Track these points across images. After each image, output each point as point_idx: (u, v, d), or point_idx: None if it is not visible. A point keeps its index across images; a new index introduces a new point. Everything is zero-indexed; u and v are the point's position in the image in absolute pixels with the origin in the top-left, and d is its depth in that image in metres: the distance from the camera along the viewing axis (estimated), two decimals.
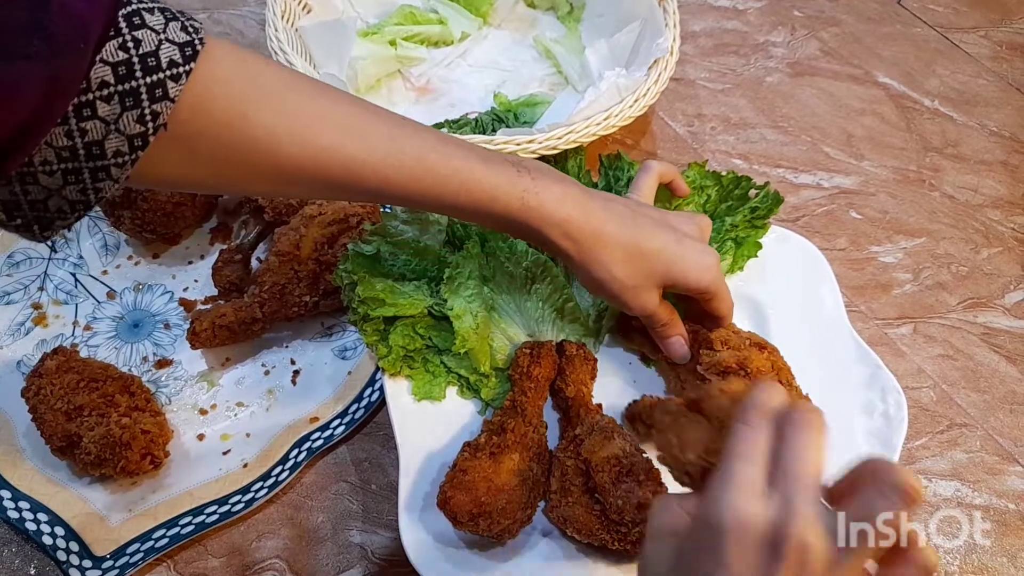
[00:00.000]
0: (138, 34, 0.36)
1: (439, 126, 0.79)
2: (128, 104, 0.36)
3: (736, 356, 0.53)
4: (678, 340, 0.57)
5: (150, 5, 0.37)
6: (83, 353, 0.64)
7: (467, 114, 0.82)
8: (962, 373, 0.69)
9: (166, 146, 0.38)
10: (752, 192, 0.66)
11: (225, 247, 0.71)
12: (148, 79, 0.36)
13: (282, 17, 0.78)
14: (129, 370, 0.64)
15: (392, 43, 0.87)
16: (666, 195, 0.66)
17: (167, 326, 0.68)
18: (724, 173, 0.67)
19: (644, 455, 0.53)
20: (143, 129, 0.37)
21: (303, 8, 0.84)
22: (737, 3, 1.00)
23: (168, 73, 0.37)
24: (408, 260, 0.61)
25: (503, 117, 0.80)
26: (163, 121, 0.37)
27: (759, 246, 0.66)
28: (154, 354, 0.67)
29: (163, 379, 0.65)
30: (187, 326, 0.65)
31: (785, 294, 0.66)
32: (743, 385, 0.39)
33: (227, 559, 0.57)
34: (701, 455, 0.38)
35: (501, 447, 0.52)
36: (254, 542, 0.58)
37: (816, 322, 0.64)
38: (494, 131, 0.78)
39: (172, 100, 0.37)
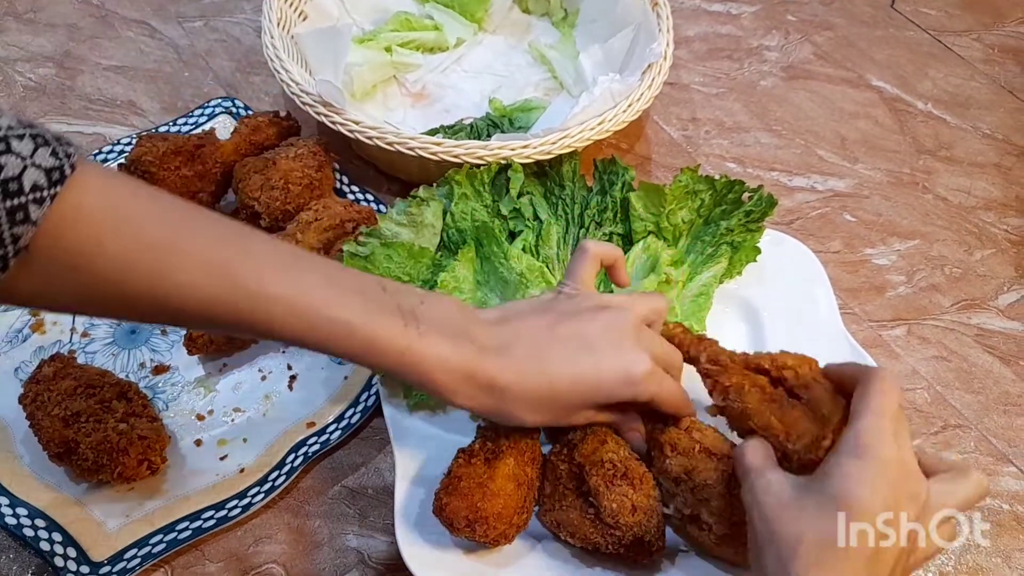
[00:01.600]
0: (2, 160, 0.35)
1: (434, 131, 0.79)
2: None
3: (684, 464, 0.51)
4: (634, 436, 0.54)
5: (21, 132, 0.36)
6: (80, 360, 0.64)
7: (462, 119, 0.82)
8: (956, 374, 0.69)
9: (28, 270, 0.37)
10: (746, 196, 0.67)
11: None
12: (8, 203, 0.35)
13: (278, 24, 0.79)
14: (126, 376, 0.65)
15: (388, 49, 0.87)
16: (660, 200, 0.66)
17: (164, 332, 0.68)
18: (717, 177, 0.67)
19: (638, 458, 0.53)
20: (3, 252, 0.36)
21: (299, 15, 0.84)
22: (731, 8, 1.00)
23: (31, 197, 0.36)
24: (403, 263, 0.61)
25: (498, 122, 0.81)
26: (23, 244, 0.36)
27: (757, 251, 0.67)
28: (151, 360, 0.67)
29: (160, 385, 0.65)
30: (184, 332, 0.65)
31: (779, 297, 0.66)
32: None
33: (224, 564, 0.57)
34: (809, 447, 0.47)
35: (495, 452, 0.52)
36: (251, 547, 0.58)
37: (810, 324, 0.65)
38: (489, 136, 0.78)
39: (35, 223, 0.36)
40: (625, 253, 0.66)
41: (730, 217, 0.66)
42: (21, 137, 0.36)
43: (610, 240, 0.68)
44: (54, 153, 0.37)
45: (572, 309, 0.52)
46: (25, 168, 0.36)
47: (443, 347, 0.46)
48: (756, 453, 0.46)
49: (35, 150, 0.36)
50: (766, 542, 0.41)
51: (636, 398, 0.50)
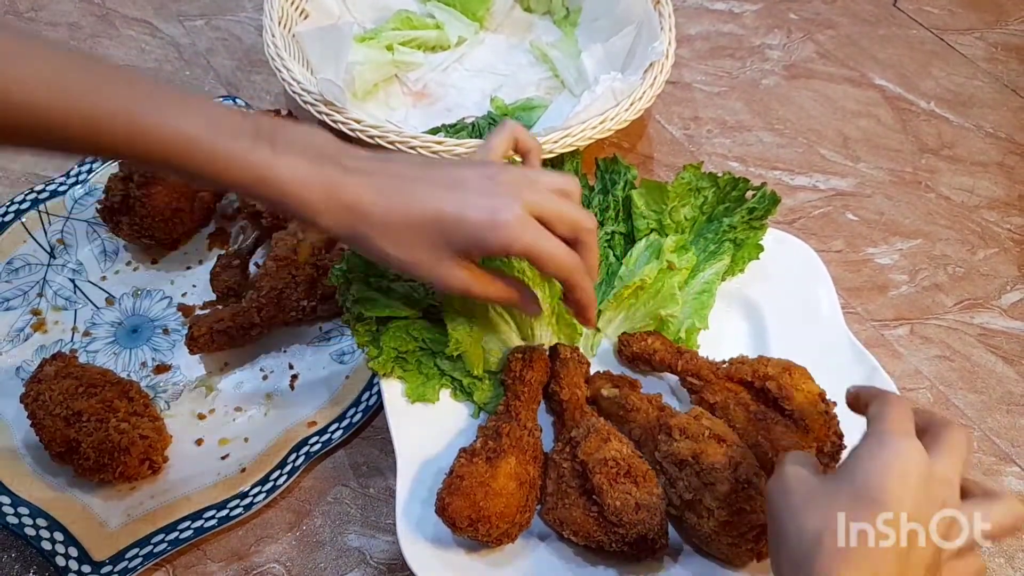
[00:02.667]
0: None
1: (435, 130, 0.79)
2: None
3: (692, 448, 0.52)
4: (518, 301, 0.52)
5: None
6: (82, 359, 0.64)
7: (464, 118, 0.82)
8: (959, 374, 0.69)
9: None
10: (749, 193, 0.66)
11: (223, 252, 0.71)
12: None
13: (279, 23, 0.79)
14: (128, 375, 0.65)
15: (389, 48, 0.87)
16: (662, 197, 0.66)
17: (166, 331, 0.68)
18: (720, 175, 0.67)
19: (640, 456, 0.53)
20: None
21: (300, 14, 0.84)
22: (733, 6, 1.00)
23: None
24: None
25: (499, 121, 0.81)
26: None
27: (760, 248, 0.67)
28: (153, 359, 0.67)
29: (161, 384, 0.65)
30: (185, 331, 0.65)
31: (782, 296, 0.66)
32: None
33: (226, 563, 0.57)
34: None
35: (497, 452, 0.52)
36: (253, 547, 0.58)
37: (813, 324, 0.64)
38: None
39: None
40: (627, 252, 0.66)
41: (733, 214, 0.66)
42: None
43: (612, 239, 0.67)
44: None
45: (455, 160, 0.50)
46: None
47: (302, 165, 0.44)
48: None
49: None
50: (790, 534, 0.39)
51: (506, 249, 0.47)
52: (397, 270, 0.48)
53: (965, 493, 0.40)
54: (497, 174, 0.48)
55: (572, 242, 0.50)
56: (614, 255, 0.67)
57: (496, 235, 0.46)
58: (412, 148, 0.67)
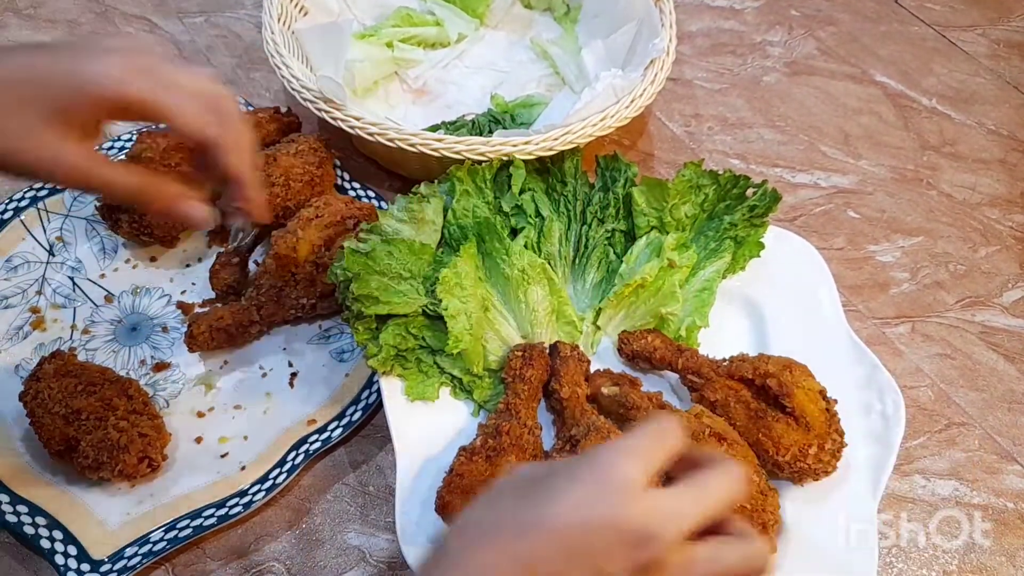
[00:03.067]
0: None
1: (435, 128, 0.79)
2: None
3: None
4: (181, 204, 0.44)
5: None
6: (81, 357, 0.64)
7: (464, 115, 0.82)
8: (960, 372, 0.69)
9: None
10: (750, 191, 0.66)
11: (222, 250, 0.71)
12: None
13: (278, 20, 0.78)
14: (127, 373, 0.65)
15: (389, 45, 0.87)
16: (663, 195, 0.66)
17: (165, 329, 0.68)
18: (721, 172, 0.67)
19: None
20: None
21: (299, 11, 0.84)
22: (734, 3, 1.00)
23: None
24: (404, 259, 0.61)
25: (500, 118, 0.80)
26: None
27: (761, 246, 0.66)
28: (152, 357, 0.67)
29: (161, 382, 0.65)
30: (185, 329, 0.65)
31: (783, 294, 0.66)
32: None
33: (225, 562, 0.57)
34: (797, 456, 0.52)
35: (497, 450, 0.52)
36: (252, 545, 0.58)
37: (814, 322, 0.64)
38: (491, 132, 0.78)
39: None
40: (628, 250, 0.66)
41: (734, 212, 0.66)
42: None
43: (612, 237, 0.67)
44: None
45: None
46: None
47: None
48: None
49: None
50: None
51: (119, 95, 0.39)
52: (8, 174, 0.40)
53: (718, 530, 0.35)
54: (116, 43, 0.42)
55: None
56: (614, 252, 0.67)
57: (106, 75, 0.39)
58: (412, 146, 0.67)
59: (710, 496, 0.34)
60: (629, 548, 0.32)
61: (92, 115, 0.40)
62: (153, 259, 0.72)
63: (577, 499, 0.33)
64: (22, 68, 0.39)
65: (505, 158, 0.67)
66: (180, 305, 0.69)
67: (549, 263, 0.64)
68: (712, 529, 0.35)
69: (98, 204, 0.70)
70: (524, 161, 0.67)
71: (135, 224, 0.69)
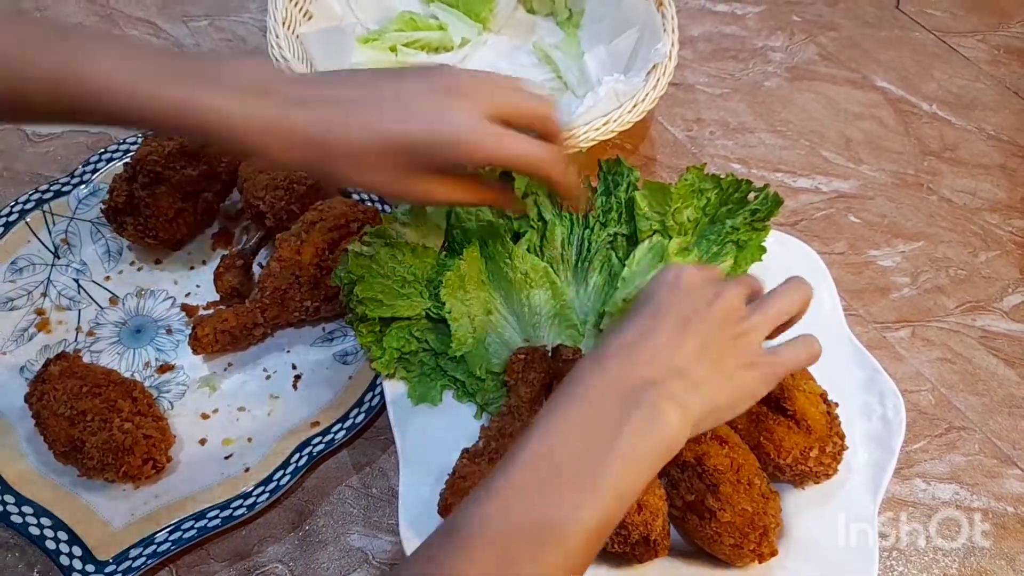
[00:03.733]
0: None
1: None
2: None
3: (694, 449, 0.52)
4: (492, 198, 0.52)
5: None
6: (86, 359, 0.65)
7: None
8: (960, 376, 0.69)
9: None
10: (751, 195, 0.67)
11: (227, 253, 0.71)
12: None
13: (283, 24, 0.79)
14: (132, 375, 0.65)
15: (392, 49, 0.87)
16: (665, 199, 0.66)
17: (169, 331, 0.69)
18: (723, 176, 0.67)
19: None
20: None
21: (304, 15, 0.85)
22: (736, 8, 1.00)
23: None
24: (407, 262, 0.61)
25: None
26: None
27: (763, 250, 0.67)
28: (156, 359, 0.67)
29: (165, 384, 0.66)
30: (189, 331, 0.65)
31: None
32: None
33: (229, 563, 0.58)
34: (799, 459, 0.54)
35: (500, 452, 0.52)
36: (256, 546, 0.58)
37: (814, 326, 0.64)
38: None
39: None
40: (629, 254, 0.66)
41: (735, 216, 0.66)
42: None
43: (615, 241, 0.68)
44: None
45: (402, 72, 0.48)
46: None
47: (247, 103, 0.43)
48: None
49: None
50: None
51: (471, 159, 0.46)
52: (362, 190, 0.49)
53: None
54: (444, 84, 0.46)
55: (536, 133, 0.49)
56: (616, 257, 0.67)
57: (458, 150, 0.45)
58: None
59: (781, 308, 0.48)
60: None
61: (443, 166, 0.47)
62: (158, 262, 0.73)
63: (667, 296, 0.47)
64: (392, 137, 0.45)
65: None
66: (184, 307, 0.70)
67: (552, 266, 0.65)
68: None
69: (103, 207, 0.70)
70: None
71: (140, 227, 0.69)
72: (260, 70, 0.45)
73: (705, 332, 0.44)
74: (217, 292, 0.69)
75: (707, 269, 0.49)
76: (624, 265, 0.66)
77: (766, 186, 0.67)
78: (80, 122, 0.52)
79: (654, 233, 0.66)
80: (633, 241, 0.68)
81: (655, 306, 0.45)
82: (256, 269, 0.72)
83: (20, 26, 0.43)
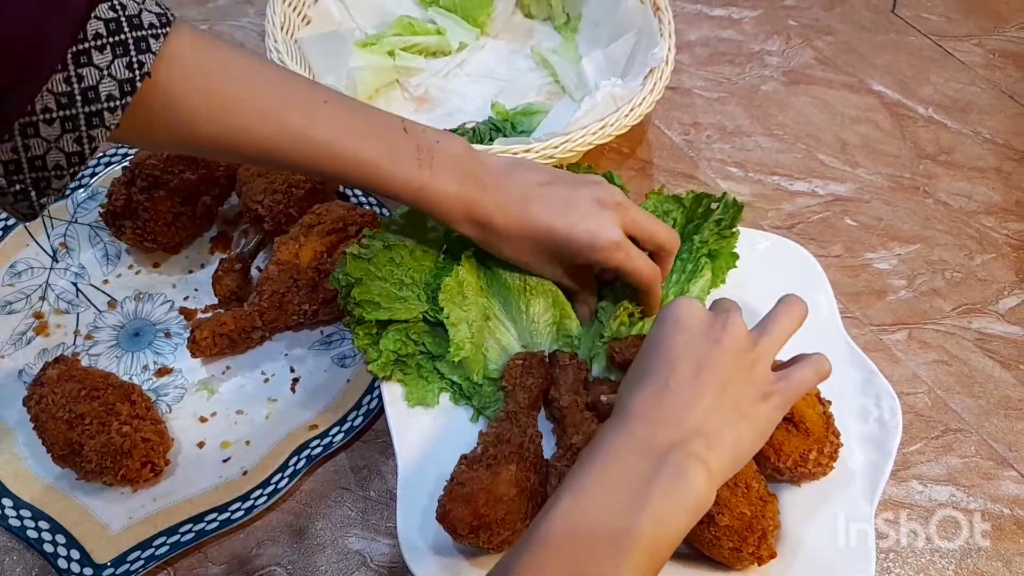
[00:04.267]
0: (122, 0, 0.41)
1: None
2: (119, 52, 0.41)
3: None
4: (583, 310, 0.63)
5: None
6: (84, 362, 0.65)
7: (465, 123, 0.82)
8: (956, 378, 0.69)
9: (149, 96, 0.42)
10: (713, 205, 0.67)
11: (225, 256, 0.71)
12: (134, 34, 0.41)
13: (281, 28, 0.79)
14: (130, 379, 0.65)
15: (390, 53, 0.87)
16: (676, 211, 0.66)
17: (168, 335, 0.69)
18: (685, 194, 0.67)
19: None
20: (131, 75, 0.41)
21: (302, 19, 0.85)
22: (732, 12, 1.01)
23: (149, 32, 0.42)
24: (405, 265, 0.61)
25: (500, 126, 0.81)
26: (147, 70, 0.42)
27: (736, 256, 0.67)
28: (154, 363, 0.67)
29: (163, 387, 0.66)
30: (187, 335, 0.65)
31: None
32: None
33: (227, 566, 0.58)
34: (798, 462, 0.55)
35: (498, 458, 0.52)
36: (254, 549, 0.58)
37: (811, 328, 0.64)
38: (491, 140, 0.79)
39: (154, 53, 0.42)
40: (616, 282, 0.66)
41: (702, 230, 0.66)
42: None
43: None
44: (157, 2, 0.44)
45: (568, 178, 0.59)
46: (141, 10, 0.42)
47: (452, 185, 0.53)
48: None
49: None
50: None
51: (602, 264, 0.57)
52: (515, 264, 0.59)
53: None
54: (603, 198, 0.57)
55: (654, 256, 0.60)
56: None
57: (595, 255, 0.56)
58: None
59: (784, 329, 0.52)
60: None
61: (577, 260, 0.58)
62: (156, 265, 0.73)
63: (675, 333, 0.50)
64: (546, 231, 0.56)
65: None
66: (183, 311, 0.70)
67: None
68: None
69: (102, 211, 0.70)
70: None
71: (138, 231, 0.69)
72: (457, 152, 0.54)
73: (720, 375, 0.47)
74: (215, 296, 0.69)
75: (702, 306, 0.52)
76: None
77: (724, 194, 0.67)
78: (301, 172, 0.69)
79: None
80: None
81: (666, 354, 0.48)
82: (254, 272, 0.72)
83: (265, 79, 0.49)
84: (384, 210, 0.75)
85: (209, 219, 0.74)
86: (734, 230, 0.66)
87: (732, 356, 0.48)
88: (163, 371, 0.66)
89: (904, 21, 1.01)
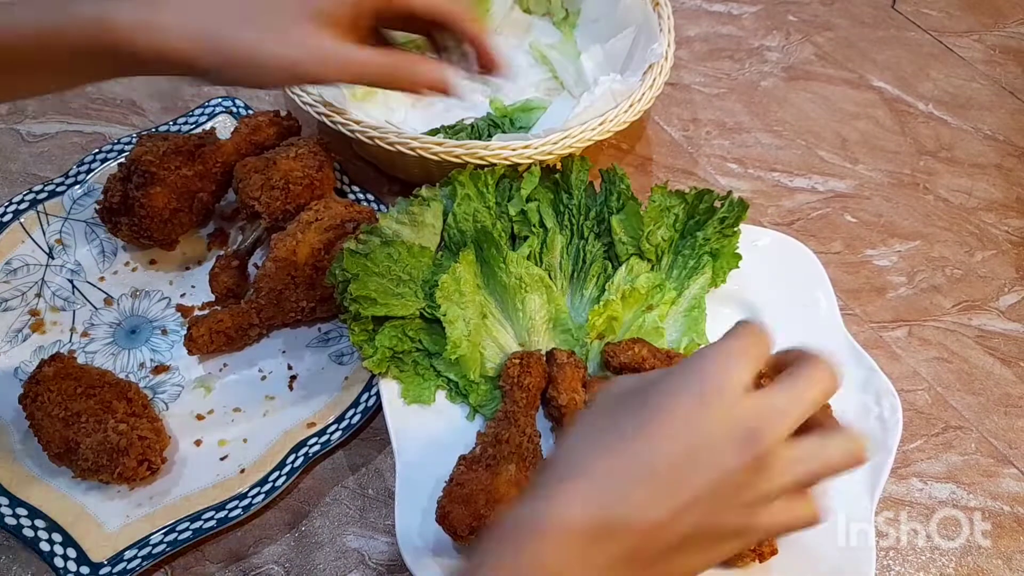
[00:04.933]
0: None
1: (435, 132, 0.79)
2: None
3: None
4: (428, 71, 0.49)
5: None
6: (80, 359, 0.64)
7: (463, 119, 0.82)
8: (957, 376, 0.69)
9: None
10: (717, 203, 0.66)
11: (222, 253, 0.71)
12: None
13: None
14: (126, 376, 0.65)
15: None
16: (638, 223, 0.65)
17: (164, 332, 0.68)
18: (688, 190, 0.67)
19: None
20: None
21: None
22: (732, 8, 1.00)
23: None
24: (403, 261, 0.61)
25: (499, 122, 0.81)
26: None
27: (738, 256, 0.67)
28: (151, 360, 0.67)
29: (160, 385, 0.65)
30: (184, 332, 0.65)
31: (780, 297, 0.66)
32: None
33: (224, 564, 0.57)
34: None
35: (497, 458, 0.52)
36: (252, 548, 0.58)
37: (811, 325, 0.65)
38: (490, 136, 0.78)
39: None
40: (611, 277, 0.66)
41: (705, 227, 0.66)
42: None
43: (609, 250, 0.67)
44: None
45: None
46: None
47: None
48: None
49: None
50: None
51: None
52: (264, 68, 0.44)
53: (815, 427, 0.36)
54: None
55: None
56: (613, 266, 0.67)
57: None
58: (412, 149, 0.67)
59: (808, 392, 0.35)
60: (739, 447, 0.33)
61: (339, 10, 0.45)
62: (153, 262, 0.72)
63: (688, 402, 0.34)
64: None
65: (508, 163, 0.67)
66: (180, 308, 0.70)
67: (549, 274, 0.65)
68: (807, 426, 0.35)
69: (98, 207, 0.70)
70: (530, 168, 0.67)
71: (135, 227, 0.69)
72: None
73: (704, 502, 0.33)
74: (212, 293, 0.68)
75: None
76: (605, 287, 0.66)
77: (730, 193, 0.67)
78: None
79: (630, 256, 0.66)
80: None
81: (654, 424, 0.34)
82: (252, 269, 0.71)
83: None
84: (382, 207, 0.75)
85: (206, 216, 0.74)
86: (737, 229, 0.66)
87: (729, 485, 0.34)
88: (160, 368, 0.66)
89: (904, 17, 1.01)
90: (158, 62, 0.44)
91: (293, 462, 0.60)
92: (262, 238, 0.72)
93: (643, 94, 0.73)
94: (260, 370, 0.66)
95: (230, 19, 0.43)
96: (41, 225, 0.72)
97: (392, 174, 0.79)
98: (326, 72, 0.46)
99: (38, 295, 0.69)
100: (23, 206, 0.72)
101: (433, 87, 0.49)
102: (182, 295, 0.70)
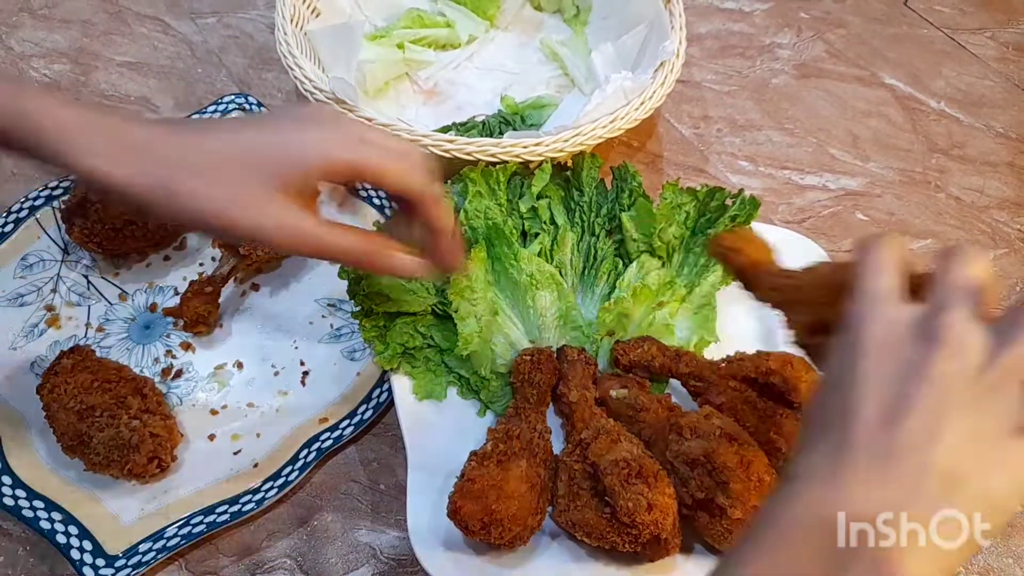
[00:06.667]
0: None
1: (446, 129, 0.79)
2: None
3: (703, 447, 0.51)
4: (398, 260, 0.48)
5: None
6: (96, 355, 0.65)
7: (474, 117, 0.82)
8: None
9: None
10: (728, 201, 0.66)
11: (195, 279, 0.69)
12: None
13: (291, 21, 0.79)
14: (141, 371, 0.65)
15: (400, 46, 0.87)
16: (650, 220, 0.65)
17: (178, 327, 0.69)
18: (699, 187, 0.67)
19: (651, 456, 0.53)
20: None
21: (312, 12, 0.85)
22: (743, 5, 1.00)
23: None
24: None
25: (510, 119, 0.81)
26: None
27: None
28: (165, 355, 0.67)
29: (175, 380, 0.66)
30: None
31: None
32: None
33: (237, 558, 0.58)
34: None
35: (508, 454, 0.52)
36: (264, 541, 0.59)
37: None
38: (501, 133, 0.79)
39: None
40: (622, 273, 0.66)
41: (716, 224, 0.66)
42: None
43: (620, 248, 0.67)
44: None
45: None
46: None
47: (83, 112, 0.40)
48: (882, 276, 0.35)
49: None
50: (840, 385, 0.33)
51: (329, 168, 0.43)
52: (211, 222, 0.41)
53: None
54: (312, 112, 0.46)
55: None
56: (624, 264, 0.67)
57: (324, 149, 0.42)
58: (423, 147, 0.67)
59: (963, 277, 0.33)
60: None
61: (306, 181, 0.43)
62: (167, 259, 0.73)
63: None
64: (233, 143, 0.42)
65: (520, 160, 0.67)
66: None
67: (560, 271, 0.65)
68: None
69: (61, 205, 0.69)
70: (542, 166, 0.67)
71: (85, 231, 0.67)
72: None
73: (930, 416, 0.31)
74: (183, 317, 0.67)
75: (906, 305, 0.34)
76: (616, 284, 0.66)
77: (741, 191, 0.66)
78: None
79: (641, 254, 0.66)
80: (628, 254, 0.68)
81: (841, 391, 0.33)
82: (224, 296, 0.69)
83: None
84: (392, 204, 0.75)
85: (163, 235, 0.72)
86: (747, 226, 0.66)
87: (954, 384, 0.31)
88: (174, 364, 0.67)
89: (916, 14, 1.00)
90: (106, 196, 0.43)
91: (306, 457, 0.60)
92: (237, 268, 0.69)
93: (654, 91, 0.73)
94: (273, 365, 0.67)
95: (192, 173, 0.41)
96: (57, 221, 0.73)
97: None
98: (299, 250, 0.45)
99: (54, 290, 0.70)
100: (39, 202, 0.73)
101: (406, 276, 0.51)
102: None
